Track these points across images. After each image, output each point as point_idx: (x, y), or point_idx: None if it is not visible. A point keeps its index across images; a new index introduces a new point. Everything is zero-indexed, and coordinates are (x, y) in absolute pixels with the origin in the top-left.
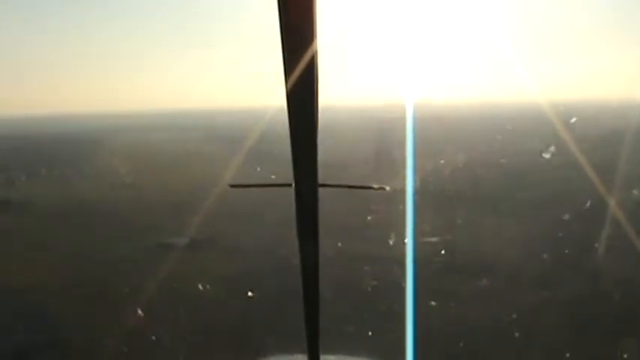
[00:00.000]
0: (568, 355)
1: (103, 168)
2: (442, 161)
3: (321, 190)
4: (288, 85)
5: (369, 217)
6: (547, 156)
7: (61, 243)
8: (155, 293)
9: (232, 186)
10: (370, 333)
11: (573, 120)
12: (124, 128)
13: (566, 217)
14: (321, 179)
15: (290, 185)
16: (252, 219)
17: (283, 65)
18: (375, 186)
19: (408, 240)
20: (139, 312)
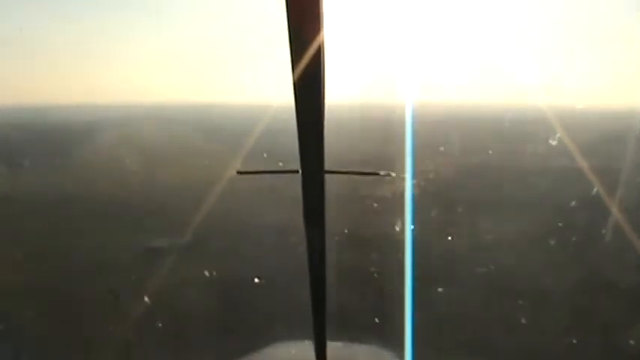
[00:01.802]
0: None
1: (89, 160)
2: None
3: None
4: (296, 72)
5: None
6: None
7: (30, 244)
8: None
9: (240, 172)
10: None
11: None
12: (111, 120)
13: None
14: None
15: (297, 172)
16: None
17: (290, 55)
18: (382, 172)
19: (407, 229)
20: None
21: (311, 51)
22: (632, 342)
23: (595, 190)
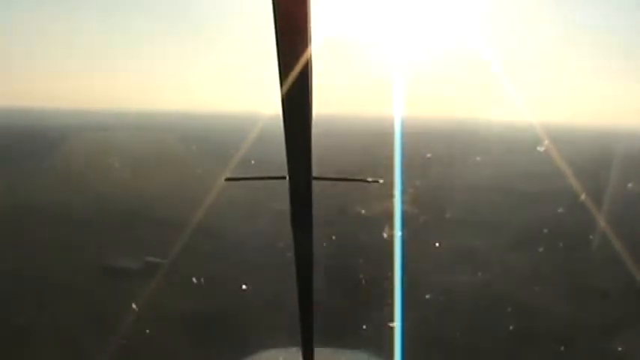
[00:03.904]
0: None
1: (60, 167)
2: None
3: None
4: (283, 77)
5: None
6: None
7: None
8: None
9: (227, 179)
10: None
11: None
12: (90, 126)
13: None
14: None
15: (284, 178)
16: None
17: (278, 59)
18: (369, 179)
19: (396, 236)
20: None
21: (298, 56)
22: None
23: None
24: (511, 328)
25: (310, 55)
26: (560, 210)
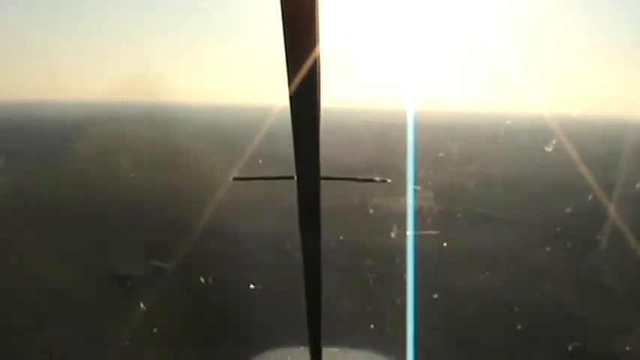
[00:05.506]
0: None
1: (65, 162)
2: None
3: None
4: (291, 77)
5: None
6: None
7: None
8: None
9: (235, 179)
10: None
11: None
12: (102, 118)
13: None
14: (323, 172)
15: (292, 178)
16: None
17: (286, 59)
18: (377, 178)
19: (409, 234)
20: None
21: (307, 55)
22: None
23: None
24: None
25: (319, 53)
26: None
